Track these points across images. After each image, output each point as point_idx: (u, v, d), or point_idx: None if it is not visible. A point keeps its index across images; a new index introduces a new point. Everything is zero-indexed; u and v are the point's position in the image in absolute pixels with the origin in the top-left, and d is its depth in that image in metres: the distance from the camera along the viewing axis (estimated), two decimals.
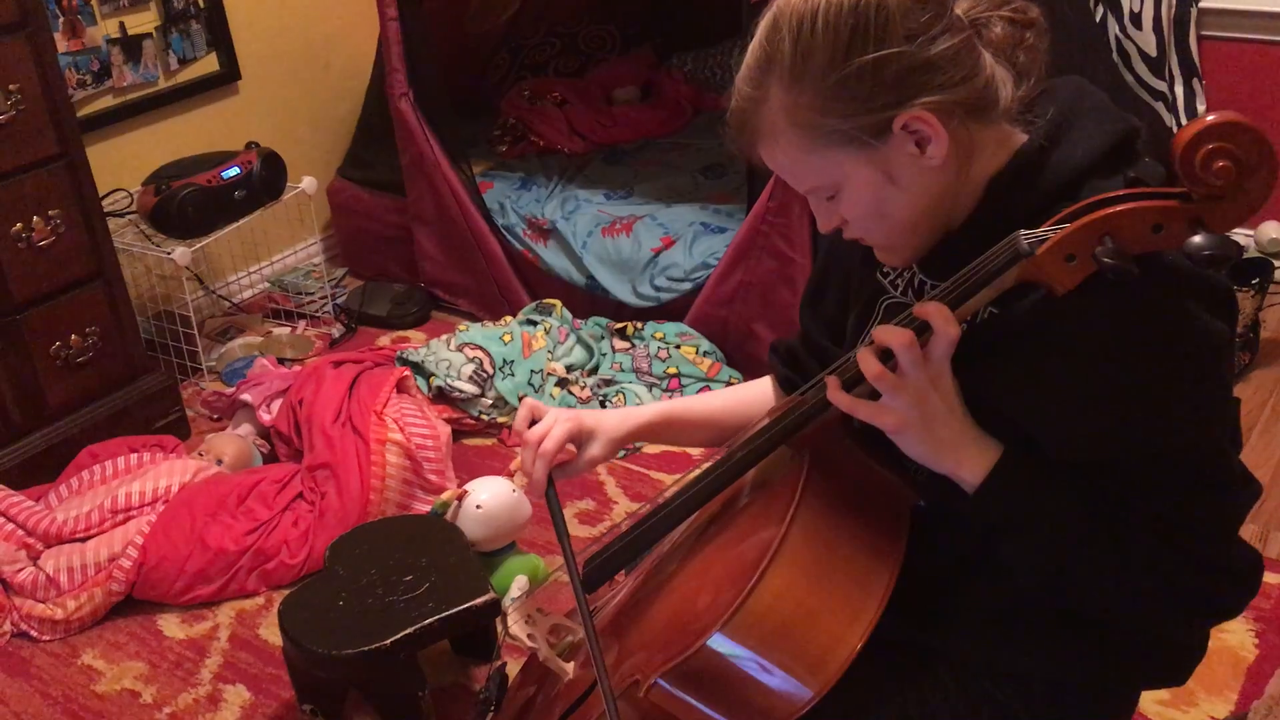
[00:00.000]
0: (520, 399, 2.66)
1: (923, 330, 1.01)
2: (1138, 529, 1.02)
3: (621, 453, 2.56)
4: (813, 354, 1.35)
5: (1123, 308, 0.97)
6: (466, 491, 2.11)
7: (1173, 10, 2.95)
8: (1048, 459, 1.05)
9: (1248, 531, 2.12)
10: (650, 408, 1.38)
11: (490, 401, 2.72)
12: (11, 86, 2.28)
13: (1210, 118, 0.90)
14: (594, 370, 2.84)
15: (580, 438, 1.32)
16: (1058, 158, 1.03)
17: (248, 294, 3.42)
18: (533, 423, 1.31)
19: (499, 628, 1.95)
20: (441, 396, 2.70)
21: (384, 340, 3.18)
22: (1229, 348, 1.03)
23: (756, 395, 1.43)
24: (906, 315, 1.03)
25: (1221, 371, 1.04)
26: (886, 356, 1.04)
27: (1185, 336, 0.98)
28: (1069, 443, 1.04)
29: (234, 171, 2.88)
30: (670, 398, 2.71)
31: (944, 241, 1.09)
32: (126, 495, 2.28)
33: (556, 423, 1.30)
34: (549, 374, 2.77)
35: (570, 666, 1.36)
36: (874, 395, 1.05)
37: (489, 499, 2.10)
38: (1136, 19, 2.98)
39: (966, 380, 1.05)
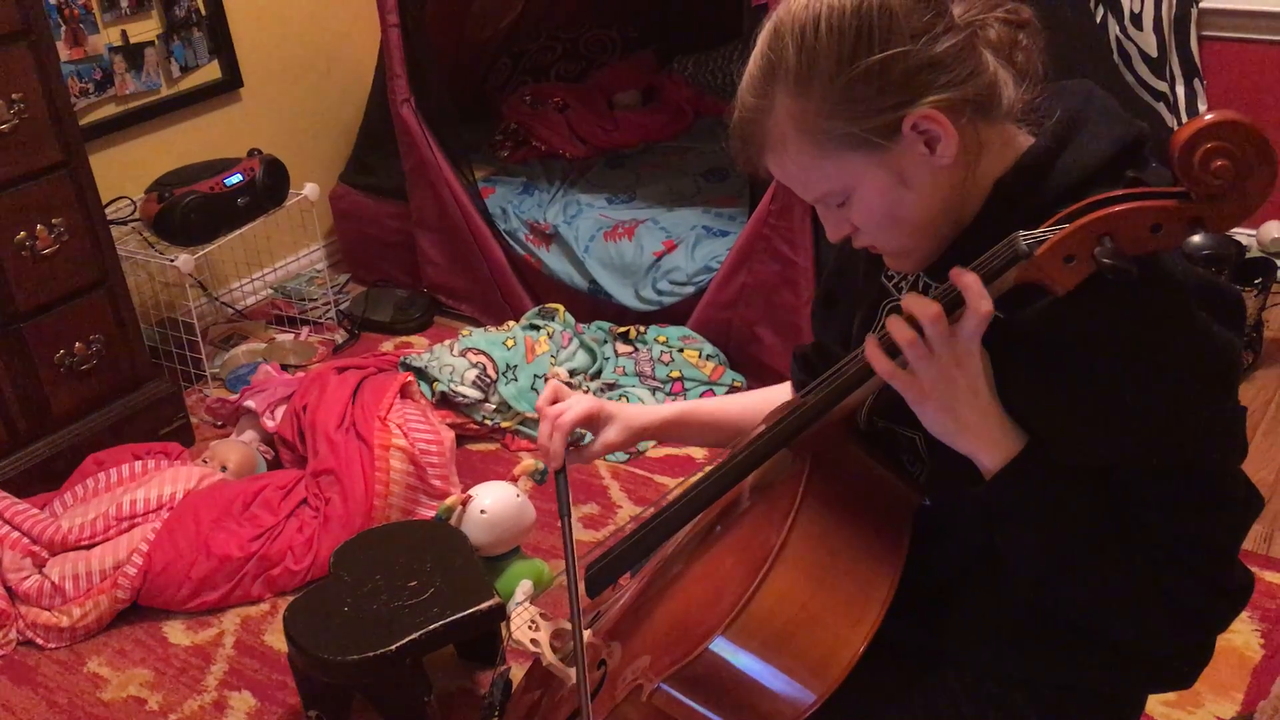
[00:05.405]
0: (529, 411, 2.67)
1: (953, 306, 1.00)
2: (1143, 538, 1.02)
3: (624, 456, 2.59)
4: (824, 360, 1.35)
5: (1134, 318, 0.97)
6: (471, 496, 2.11)
7: (1173, 10, 2.95)
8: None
9: (1251, 532, 2.12)
10: (669, 406, 1.41)
11: (494, 406, 2.73)
12: (14, 95, 2.29)
13: (1208, 116, 0.89)
14: (597, 374, 2.85)
15: (598, 421, 1.35)
16: (1064, 160, 1.03)
17: (251, 301, 3.43)
18: (555, 402, 1.35)
19: (503, 632, 1.95)
20: (445, 402, 2.70)
21: (387, 346, 3.18)
22: (1239, 359, 1.02)
23: (774, 399, 1.43)
24: (946, 286, 1.01)
25: (1232, 383, 1.03)
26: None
27: (1196, 348, 0.97)
28: (1074, 450, 1.03)
29: (237, 178, 2.89)
30: (674, 401, 2.71)
31: (950, 243, 1.09)
32: (131, 503, 2.29)
33: (577, 402, 1.34)
34: (552, 378, 2.77)
35: (574, 671, 1.36)
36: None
37: (493, 504, 2.10)
38: (1137, 19, 2.98)
39: None
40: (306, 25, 3.43)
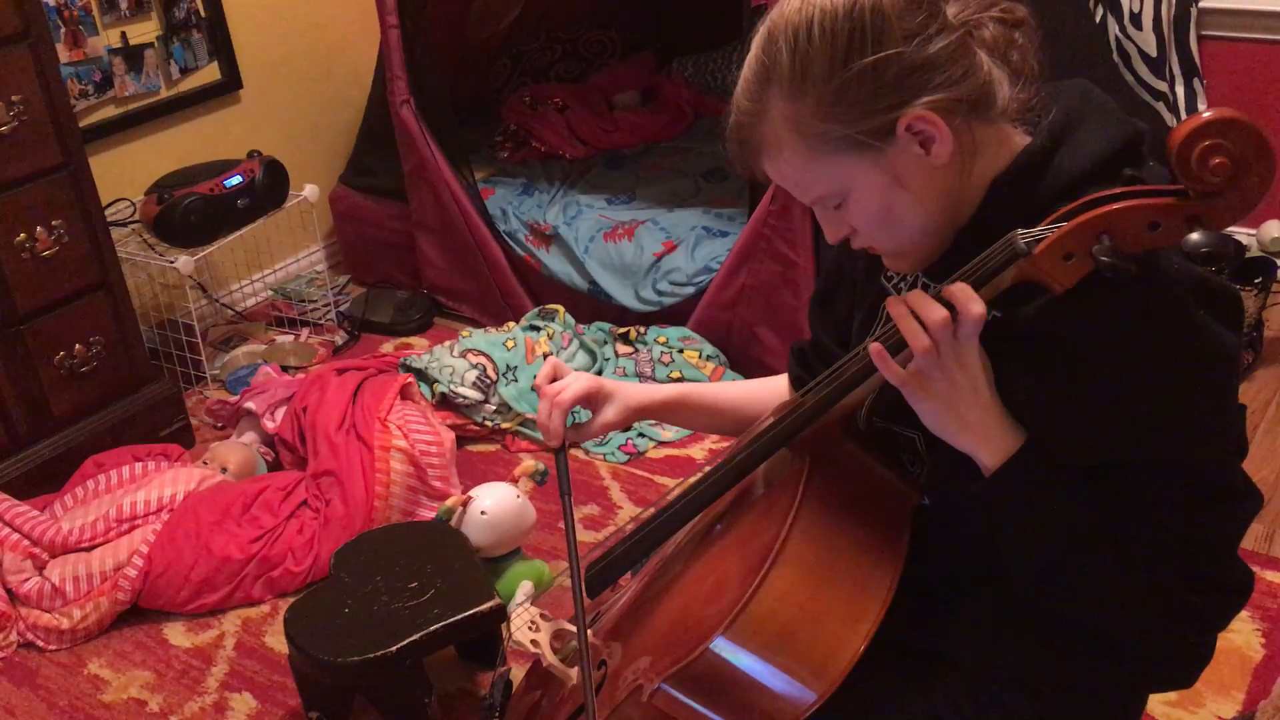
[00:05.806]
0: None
1: (951, 305, 1.00)
2: (1141, 538, 1.02)
3: (625, 458, 2.59)
4: (819, 355, 1.35)
5: (1132, 316, 0.97)
6: (471, 498, 2.12)
7: (1172, 10, 2.95)
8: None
9: (1252, 531, 2.12)
10: (669, 386, 1.41)
11: (494, 407, 2.73)
12: (14, 97, 2.29)
13: (1206, 114, 0.89)
14: (597, 375, 2.84)
15: (597, 399, 1.35)
16: (1061, 159, 1.03)
17: (251, 302, 3.43)
18: (554, 381, 1.34)
19: (504, 633, 1.95)
20: (445, 403, 2.70)
21: (387, 347, 3.18)
22: (1238, 358, 1.02)
23: (773, 390, 1.44)
24: (934, 292, 1.02)
25: (1231, 382, 1.03)
26: None
27: (1195, 347, 0.97)
28: (1072, 447, 1.03)
29: (236, 180, 2.89)
30: None
31: (948, 243, 1.09)
32: (131, 504, 2.28)
33: (576, 379, 1.33)
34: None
35: (574, 672, 1.36)
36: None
37: (493, 505, 2.10)
38: (1136, 19, 2.98)
39: None
40: (306, 26, 3.43)
